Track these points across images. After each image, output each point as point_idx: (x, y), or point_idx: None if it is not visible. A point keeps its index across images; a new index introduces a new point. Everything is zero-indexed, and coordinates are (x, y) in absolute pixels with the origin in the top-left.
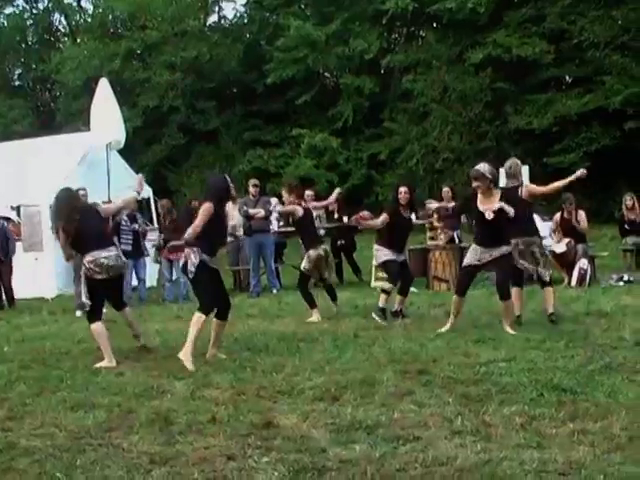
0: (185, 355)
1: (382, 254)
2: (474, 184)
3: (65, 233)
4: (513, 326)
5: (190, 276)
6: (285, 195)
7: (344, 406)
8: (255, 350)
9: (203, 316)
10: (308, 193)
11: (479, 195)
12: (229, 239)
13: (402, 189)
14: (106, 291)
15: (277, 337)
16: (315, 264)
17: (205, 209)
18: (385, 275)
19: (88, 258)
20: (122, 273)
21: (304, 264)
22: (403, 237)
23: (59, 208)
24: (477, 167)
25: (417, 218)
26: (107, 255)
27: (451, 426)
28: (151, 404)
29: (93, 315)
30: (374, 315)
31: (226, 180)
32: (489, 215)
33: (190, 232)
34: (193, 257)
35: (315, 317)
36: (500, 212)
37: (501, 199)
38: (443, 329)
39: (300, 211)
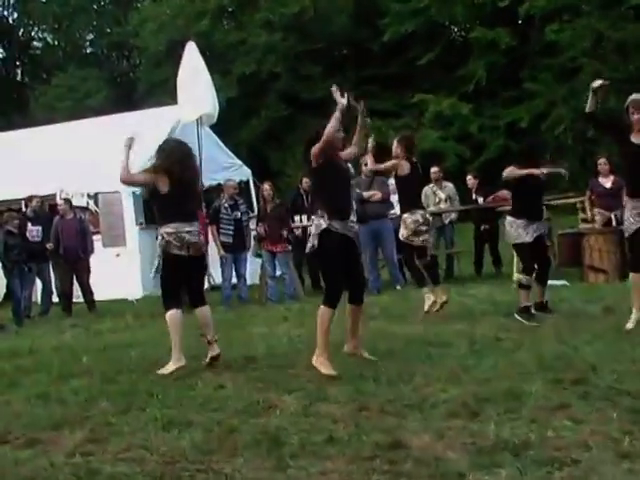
0: (317, 360)
1: (514, 229)
2: (637, 116)
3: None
4: None
5: (312, 250)
6: (395, 148)
7: (485, 423)
8: (377, 356)
9: (328, 309)
10: (434, 170)
11: (634, 131)
12: None
13: None
14: (183, 273)
15: (403, 341)
16: (414, 231)
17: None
18: None
19: (168, 229)
20: (203, 255)
21: (402, 232)
22: (536, 200)
23: (172, 149)
24: None
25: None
26: (190, 230)
27: (617, 447)
28: (257, 422)
29: (170, 299)
30: (517, 316)
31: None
32: None
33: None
34: (316, 224)
35: (429, 300)
36: None
37: None
38: (628, 325)
39: (406, 167)
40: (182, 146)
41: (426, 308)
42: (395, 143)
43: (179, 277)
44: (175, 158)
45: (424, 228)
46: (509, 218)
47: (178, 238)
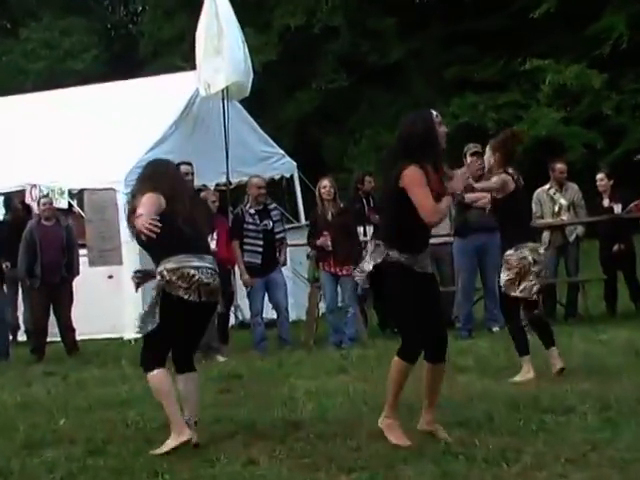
0: (385, 423)
1: None
2: None
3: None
4: None
5: (363, 285)
6: (488, 157)
7: None
8: (470, 424)
9: (404, 362)
10: (559, 167)
11: None
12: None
13: None
14: (185, 326)
15: (506, 404)
16: (517, 272)
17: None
18: None
19: (169, 265)
20: (216, 304)
21: (503, 274)
22: None
23: (154, 173)
24: None
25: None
26: (199, 265)
27: None
28: None
29: (155, 357)
30: None
31: (431, 117)
32: None
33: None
34: (370, 258)
35: (527, 373)
36: None
37: None
38: None
39: (510, 183)
40: (164, 163)
41: (517, 379)
42: (488, 150)
43: (174, 330)
44: (159, 171)
45: (535, 269)
46: None
47: (182, 277)
